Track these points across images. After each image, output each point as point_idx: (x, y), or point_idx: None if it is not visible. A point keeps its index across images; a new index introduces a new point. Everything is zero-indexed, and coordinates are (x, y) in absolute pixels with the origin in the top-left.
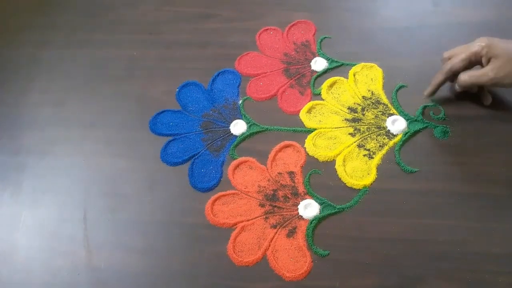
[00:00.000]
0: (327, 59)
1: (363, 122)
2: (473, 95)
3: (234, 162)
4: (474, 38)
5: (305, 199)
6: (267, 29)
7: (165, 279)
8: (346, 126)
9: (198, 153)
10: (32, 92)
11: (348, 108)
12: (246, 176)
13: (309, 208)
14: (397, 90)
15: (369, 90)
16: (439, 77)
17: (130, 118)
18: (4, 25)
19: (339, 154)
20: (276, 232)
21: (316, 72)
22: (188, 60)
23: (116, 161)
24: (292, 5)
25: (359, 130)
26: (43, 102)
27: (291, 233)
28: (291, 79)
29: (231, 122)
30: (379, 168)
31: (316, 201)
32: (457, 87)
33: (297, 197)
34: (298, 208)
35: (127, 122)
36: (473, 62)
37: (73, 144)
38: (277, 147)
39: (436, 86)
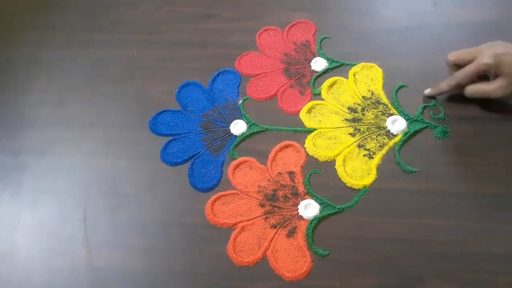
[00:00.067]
0: (327, 59)
1: (363, 122)
2: None
3: (234, 162)
4: (474, 38)
5: (305, 199)
6: (267, 29)
7: (165, 279)
8: (346, 126)
9: (198, 153)
10: (32, 92)
11: (348, 108)
12: (246, 176)
13: (309, 208)
14: (397, 90)
15: (369, 90)
16: (444, 87)
17: (130, 118)
18: (4, 25)
19: (339, 154)
20: (276, 232)
21: (316, 72)
22: (188, 60)
23: (116, 161)
24: (292, 5)
25: (359, 130)
26: (43, 102)
27: (291, 233)
28: (291, 79)
29: (231, 122)
30: (379, 168)
31: (316, 201)
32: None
33: (297, 197)
34: (298, 208)
35: (127, 122)
36: (481, 75)
37: (73, 144)
38: (277, 147)
39: (439, 93)
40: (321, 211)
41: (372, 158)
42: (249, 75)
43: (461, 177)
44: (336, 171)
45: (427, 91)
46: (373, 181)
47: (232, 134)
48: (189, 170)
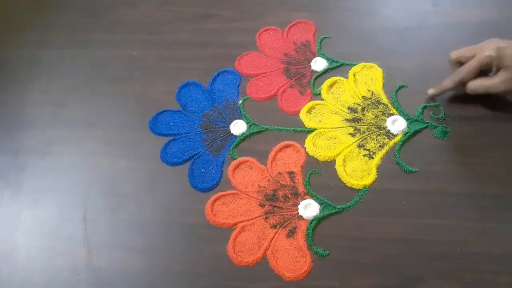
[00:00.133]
0: (327, 59)
1: (363, 122)
2: (474, 95)
3: (234, 162)
4: (474, 38)
5: (305, 199)
6: (267, 29)
7: (165, 279)
8: (346, 126)
9: (198, 153)
10: (32, 92)
11: (348, 108)
12: (246, 176)
13: (309, 208)
14: (397, 90)
15: (369, 90)
16: (448, 84)
17: (130, 118)
18: (4, 25)
19: (339, 154)
20: (276, 232)
21: (316, 72)
22: (188, 60)
23: (116, 161)
24: (292, 5)
25: (359, 130)
26: (43, 102)
27: (291, 233)
28: (291, 79)
29: (231, 122)
30: (379, 168)
31: (316, 201)
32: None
33: (297, 197)
34: (298, 208)
35: (127, 122)
36: (483, 70)
37: (73, 144)
38: (277, 147)
39: (443, 91)
40: (321, 211)
41: (372, 158)
42: (249, 75)
43: (461, 177)
44: (336, 171)
45: (431, 91)
46: (373, 181)
47: (232, 134)
48: (189, 170)
